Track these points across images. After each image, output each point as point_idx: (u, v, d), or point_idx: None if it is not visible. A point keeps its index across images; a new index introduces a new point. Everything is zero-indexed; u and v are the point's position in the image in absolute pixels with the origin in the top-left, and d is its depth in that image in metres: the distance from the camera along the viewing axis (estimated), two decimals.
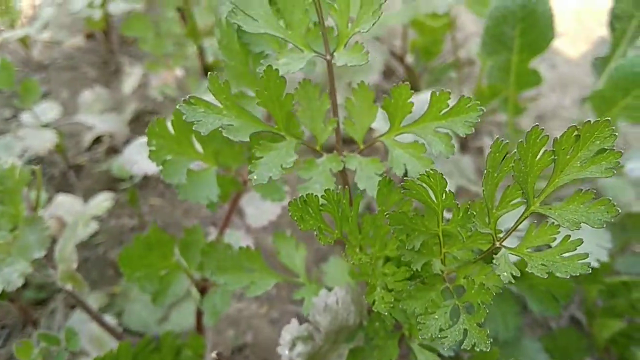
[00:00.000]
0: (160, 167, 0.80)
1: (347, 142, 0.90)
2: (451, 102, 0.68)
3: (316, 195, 0.62)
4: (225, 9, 0.74)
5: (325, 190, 0.62)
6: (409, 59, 1.86)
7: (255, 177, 0.65)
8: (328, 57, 0.72)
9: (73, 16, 2.01)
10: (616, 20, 1.32)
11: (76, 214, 1.41)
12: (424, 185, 0.58)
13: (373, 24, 0.64)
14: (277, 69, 0.65)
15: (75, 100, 2.13)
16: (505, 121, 1.43)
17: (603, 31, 2.31)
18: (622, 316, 1.17)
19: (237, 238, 1.06)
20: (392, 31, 2.05)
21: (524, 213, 0.58)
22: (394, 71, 1.94)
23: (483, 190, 0.58)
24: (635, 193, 1.34)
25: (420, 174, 0.57)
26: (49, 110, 1.59)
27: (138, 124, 1.95)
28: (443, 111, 0.66)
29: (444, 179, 0.57)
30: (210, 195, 0.87)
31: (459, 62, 1.63)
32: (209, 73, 0.65)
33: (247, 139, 0.65)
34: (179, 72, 1.75)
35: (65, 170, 1.82)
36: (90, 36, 2.35)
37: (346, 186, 0.76)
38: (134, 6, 1.58)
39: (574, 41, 2.22)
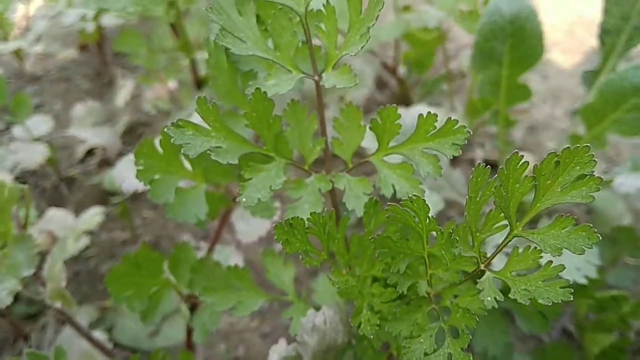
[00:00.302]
0: (148, 187, 0.80)
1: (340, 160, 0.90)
2: (441, 119, 0.68)
3: (302, 219, 0.62)
4: (214, 29, 0.74)
5: (311, 214, 0.62)
6: (401, 70, 1.87)
7: (244, 199, 0.65)
8: (316, 78, 0.73)
9: (66, 29, 2.01)
10: (605, 34, 1.33)
11: (67, 228, 1.41)
12: (408, 209, 0.58)
13: (361, 48, 0.64)
14: (264, 92, 0.66)
15: (69, 112, 2.13)
16: (497, 133, 1.44)
17: (594, 42, 2.32)
18: (613, 330, 1.17)
19: (227, 254, 1.06)
20: (385, 42, 2.06)
21: (506, 237, 0.59)
22: (386, 83, 1.95)
23: (465, 215, 0.58)
24: (625, 206, 1.35)
25: (403, 200, 0.57)
26: (41, 123, 1.59)
27: (131, 136, 1.95)
28: (430, 133, 0.67)
29: (427, 204, 0.57)
30: (199, 213, 0.87)
31: (450, 74, 1.64)
32: (197, 96, 0.65)
33: (236, 161, 0.66)
34: (172, 84, 1.76)
35: (57, 183, 1.82)
36: (83, 48, 2.35)
37: (334, 207, 0.76)
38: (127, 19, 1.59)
39: (565, 52, 2.24)
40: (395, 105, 0.67)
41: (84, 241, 1.37)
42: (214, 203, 0.93)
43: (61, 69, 2.33)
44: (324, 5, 0.69)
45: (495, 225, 0.59)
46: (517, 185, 0.55)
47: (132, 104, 2.08)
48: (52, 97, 2.22)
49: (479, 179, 0.56)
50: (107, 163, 1.83)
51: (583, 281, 0.92)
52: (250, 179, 0.67)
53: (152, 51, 1.36)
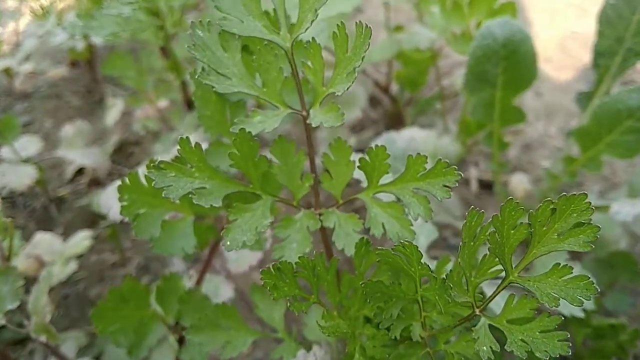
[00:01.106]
0: (133, 222, 0.78)
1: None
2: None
3: (290, 263, 0.60)
4: (197, 67, 0.73)
5: (299, 258, 0.60)
6: (394, 88, 1.85)
7: (228, 242, 0.63)
8: (304, 114, 0.71)
9: (54, 47, 1.99)
10: (599, 56, 1.32)
11: (55, 253, 1.38)
12: (400, 254, 0.56)
13: (347, 88, 0.62)
14: (249, 132, 0.64)
15: (59, 130, 2.11)
16: (491, 153, 1.42)
17: (587, 58, 2.32)
18: (610, 358, 1.15)
19: (216, 284, 1.03)
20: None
21: (502, 283, 0.57)
22: (379, 100, 1.93)
23: (459, 261, 0.56)
24: (622, 229, 1.33)
25: (395, 246, 0.55)
26: (30, 144, 1.56)
27: (121, 154, 1.93)
28: (420, 173, 0.65)
29: (419, 251, 0.55)
30: (187, 246, 0.84)
31: (443, 93, 1.62)
32: (179, 137, 0.63)
33: (220, 203, 0.63)
34: (162, 103, 1.74)
35: (46, 203, 1.79)
36: (74, 64, 2.33)
37: (325, 245, 0.74)
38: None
39: (559, 68, 2.23)
40: (384, 145, 0.65)
41: (72, 266, 1.34)
42: (202, 234, 0.91)
43: (51, 85, 2.31)
44: (309, 42, 0.67)
45: (490, 270, 0.57)
46: (513, 231, 0.53)
47: (122, 122, 2.06)
48: (42, 115, 2.20)
49: (473, 224, 0.55)
50: (97, 183, 1.81)
51: (580, 315, 0.90)
52: (235, 219, 0.65)
53: (141, 72, 1.34)
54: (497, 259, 0.56)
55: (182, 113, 1.64)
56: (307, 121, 0.68)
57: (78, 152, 1.56)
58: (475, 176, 1.69)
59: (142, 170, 1.14)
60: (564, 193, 0.53)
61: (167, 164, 0.62)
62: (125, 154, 1.93)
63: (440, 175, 0.63)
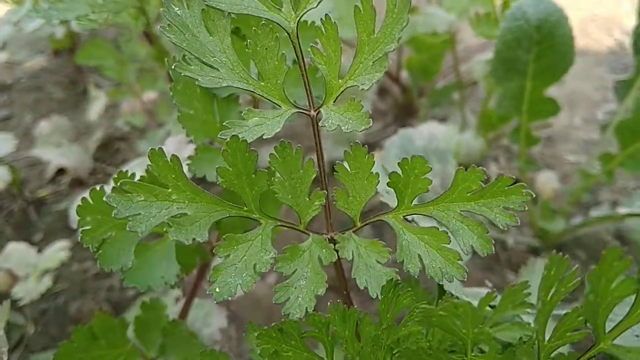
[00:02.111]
0: (97, 251, 0.62)
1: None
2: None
3: (296, 322, 0.44)
4: (176, 55, 0.57)
5: (309, 317, 0.44)
6: (404, 76, 1.69)
7: (217, 289, 0.47)
8: (312, 114, 0.56)
9: (34, 35, 1.82)
10: None
11: (28, 266, 1.23)
12: (449, 313, 0.41)
13: (375, 80, 0.46)
14: (243, 141, 0.48)
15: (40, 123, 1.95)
16: (517, 151, 1.27)
17: (610, 42, 2.16)
18: None
19: (207, 310, 0.88)
20: None
21: (589, 350, 0.41)
22: (388, 90, 1.77)
23: (535, 319, 0.41)
24: None
25: (443, 305, 0.40)
26: (4, 143, 1.40)
27: (106, 151, 1.77)
28: (472, 192, 0.49)
29: (476, 312, 0.39)
30: (168, 275, 0.69)
31: (461, 82, 1.46)
32: (149, 149, 0.47)
33: (206, 235, 0.48)
34: (151, 95, 1.57)
35: (24, 206, 1.63)
36: (57, 53, 2.17)
37: (339, 282, 0.58)
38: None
39: (580, 53, 2.06)
40: (423, 156, 0.49)
41: (46, 283, 1.19)
42: (187, 257, 0.76)
43: (32, 76, 2.14)
44: (322, 19, 0.51)
45: (570, 333, 0.42)
46: (613, 287, 0.38)
47: (108, 116, 1.89)
48: (21, 108, 2.03)
49: (553, 274, 0.39)
50: (79, 183, 1.65)
51: None
52: (227, 256, 0.50)
53: (122, 62, 1.18)
54: (580, 317, 0.41)
55: (171, 106, 1.47)
56: (320, 123, 0.52)
57: (56, 151, 1.40)
58: (495, 173, 1.53)
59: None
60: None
61: (133, 185, 0.46)
62: (110, 150, 1.77)
63: (500, 194, 0.47)
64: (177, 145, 0.94)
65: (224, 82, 0.52)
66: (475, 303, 0.45)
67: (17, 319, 1.33)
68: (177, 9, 0.52)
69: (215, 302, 0.47)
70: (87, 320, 1.35)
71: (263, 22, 0.53)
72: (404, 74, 1.69)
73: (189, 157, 0.72)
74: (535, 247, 1.35)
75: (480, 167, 0.47)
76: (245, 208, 0.53)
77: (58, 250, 1.20)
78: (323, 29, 0.51)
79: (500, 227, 0.48)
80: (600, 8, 2.34)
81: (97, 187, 0.63)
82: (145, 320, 0.81)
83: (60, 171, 1.73)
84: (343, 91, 0.53)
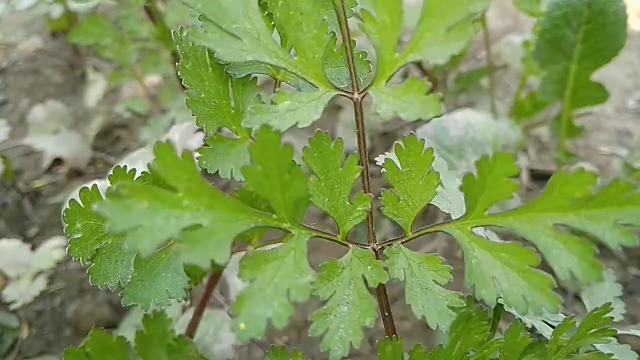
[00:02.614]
0: (89, 266, 0.51)
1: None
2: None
3: None
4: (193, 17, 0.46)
5: None
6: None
7: (241, 325, 0.36)
8: (357, 97, 0.44)
9: (29, 14, 1.70)
10: None
11: (20, 266, 1.13)
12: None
13: (454, 54, 0.35)
14: (276, 132, 0.37)
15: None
16: (550, 141, 1.15)
17: None
18: None
19: (218, 323, 0.77)
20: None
21: None
22: (408, 75, 1.65)
23: None
24: None
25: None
26: None
27: (106, 139, 1.66)
28: (572, 200, 0.38)
29: None
30: (174, 288, 0.58)
31: (492, 66, 1.34)
32: (156, 142, 0.36)
33: (227, 256, 0.37)
34: (154, 78, 1.46)
35: (19, 197, 1.52)
36: (55, 35, 2.05)
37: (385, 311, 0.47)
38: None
39: None
40: (508, 155, 0.38)
41: (40, 284, 1.08)
42: (196, 266, 0.65)
43: (28, 59, 2.02)
44: None
45: None
46: None
47: (107, 101, 1.78)
48: (17, 93, 1.92)
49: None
50: (77, 173, 1.54)
51: None
52: (253, 279, 0.39)
53: (122, 41, 1.06)
54: None
55: (175, 91, 1.36)
56: (372, 109, 0.41)
57: (51, 139, 1.29)
58: (525, 165, 1.42)
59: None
60: None
61: (133, 188, 0.35)
62: (110, 138, 1.66)
63: (612, 204, 0.36)
64: (184, 133, 0.83)
65: (248, 56, 0.41)
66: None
67: (10, 321, 1.23)
68: None
69: (239, 341, 0.36)
70: (85, 323, 1.25)
71: None
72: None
73: (199, 150, 0.61)
74: None
75: (582, 167, 0.36)
76: (274, 216, 0.42)
77: (52, 249, 1.09)
78: None
79: (612, 247, 0.36)
80: None
81: (89, 186, 0.52)
82: (148, 336, 0.70)
83: (57, 161, 1.62)
84: (400, 68, 0.42)
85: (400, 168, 0.46)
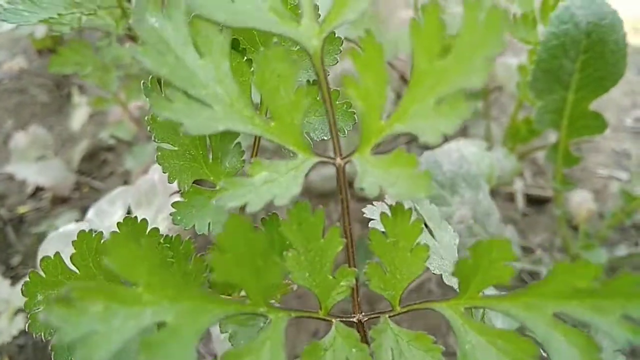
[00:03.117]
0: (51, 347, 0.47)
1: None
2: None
3: None
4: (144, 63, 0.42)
5: None
6: None
7: None
8: (339, 162, 0.41)
9: (13, 34, 1.66)
10: None
11: (0, 302, 1.08)
12: None
13: (446, 131, 0.31)
14: (246, 221, 0.33)
15: (22, 130, 1.79)
16: (552, 172, 1.12)
17: (637, 42, 2.00)
18: None
19: None
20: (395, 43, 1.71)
21: None
22: (401, 94, 1.61)
23: None
24: None
25: None
26: None
27: (91, 162, 1.61)
28: (575, 289, 0.34)
29: None
30: None
31: (487, 89, 1.31)
32: (110, 234, 0.32)
33: (193, 358, 0.33)
34: (139, 102, 1.42)
35: (1, 225, 1.48)
36: (40, 53, 2.01)
37: None
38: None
39: None
40: (507, 241, 0.34)
41: (19, 324, 1.04)
42: None
43: (14, 78, 1.98)
44: (360, 37, 0.36)
45: None
46: None
47: (93, 123, 1.74)
48: (2, 113, 1.88)
49: None
50: (61, 200, 1.49)
51: None
52: None
53: (104, 69, 1.02)
54: None
55: None
56: (356, 185, 0.37)
57: (33, 167, 1.24)
58: (521, 190, 1.38)
59: (102, 205, 0.84)
60: None
61: (86, 290, 0.31)
62: (96, 162, 1.62)
63: (619, 295, 0.32)
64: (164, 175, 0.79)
65: (219, 125, 0.37)
66: None
67: None
68: (154, 19, 0.37)
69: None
70: None
71: (275, 39, 0.38)
72: None
73: (173, 204, 0.57)
74: None
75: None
76: (248, 301, 0.38)
77: None
78: (361, 50, 0.36)
79: (618, 343, 0.33)
80: (625, 7, 2.18)
81: (51, 255, 0.48)
82: None
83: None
84: (386, 135, 0.38)
85: (387, 237, 0.42)
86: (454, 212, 0.89)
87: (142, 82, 0.48)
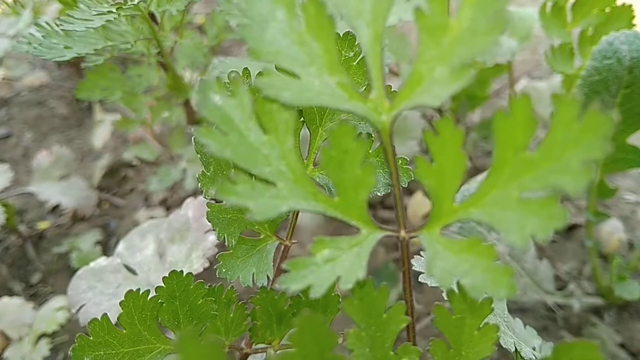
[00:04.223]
0: None
1: None
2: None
3: None
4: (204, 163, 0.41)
5: None
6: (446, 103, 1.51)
7: None
8: (403, 235, 0.39)
9: None
10: None
11: (22, 327, 1.07)
12: None
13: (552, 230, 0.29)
14: (322, 318, 0.31)
15: (41, 144, 1.79)
16: (587, 202, 1.09)
17: None
18: None
19: None
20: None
21: None
22: (426, 116, 1.59)
23: None
24: None
25: None
26: None
27: (112, 179, 1.60)
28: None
29: None
30: None
31: None
32: (179, 338, 0.30)
33: None
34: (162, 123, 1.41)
35: (21, 242, 1.47)
36: (60, 65, 2.00)
37: None
38: None
39: None
40: (594, 344, 0.32)
41: (43, 350, 1.03)
42: None
43: (33, 90, 1.98)
44: (434, 116, 0.34)
45: None
46: None
47: (115, 136, 1.73)
48: (21, 126, 1.88)
49: None
50: (82, 218, 1.49)
51: None
52: None
53: (132, 94, 1.01)
54: None
55: (186, 137, 1.31)
56: (425, 268, 0.35)
57: (55, 187, 1.23)
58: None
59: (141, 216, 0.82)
60: None
61: None
62: (117, 178, 1.61)
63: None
64: (198, 209, 0.78)
65: (283, 205, 0.36)
66: None
67: None
68: (218, 98, 0.35)
69: None
70: None
71: (343, 115, 0.36)
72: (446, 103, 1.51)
73: (219, 257, 0.56)
74: (597, 306, 1.18)
75: None
76: None
77: (56, 310, 1.04)
78: (435, 131, 0.34)
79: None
80: None
81: (99, 317, 0.47)
82: None
83: None
84: (457, 218, 0.36)
85: (452, 320, 0.40)
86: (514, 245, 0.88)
87: (193, 138, 0.47)
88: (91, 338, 0.47)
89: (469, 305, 0.40)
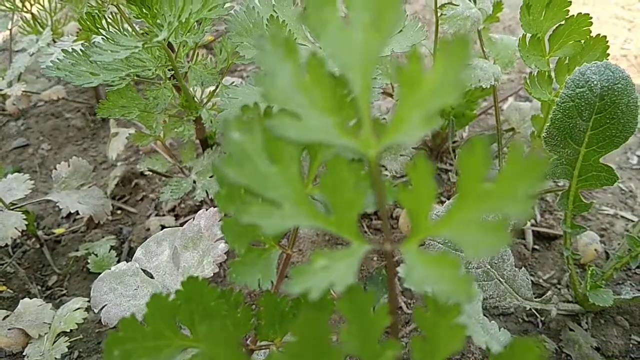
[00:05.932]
0: None
1: None
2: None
3: None
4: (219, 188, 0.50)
5: None
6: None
7: None
8: (388, 247, 0.48)
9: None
10: None
11: (42, 326, 1.16)
12: None
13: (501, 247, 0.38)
14: (320, 321, 0.40)
15: (57, 154, 1.88)
16: (564, 215, 1.18)
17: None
18: None
19: None
20: None
21: None
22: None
23: None
24: None
25: None
26: (17, 185, 1.33)
27: (124, 187, 1.70)
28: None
29: None
30: None
31: (500, 134, 1.38)
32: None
33: None
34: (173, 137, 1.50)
35: (38, 246, 1.56)
36: None
37: None
38: None
39: None
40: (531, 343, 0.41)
41: (62, 347, 1.11)
42: None
43: (49, 102, 2.08)
44: (413, 153, 0.43)
45: None
46: None
47: (126, 150, 1.82)
48: (38, 136, 1.97)
49: None
50: (96, 224, 1.58)
51: None
52: None
53: (148, 112, 1.10)
54: None
55: (196, 150, 1.40)
56: (404, 274, 0.44)
57: (74, 196, 1.32)
58: (528, 229, 1.45)
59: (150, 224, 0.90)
60: None
61: None
62: (128, 187, 1.70)
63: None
64: (210, 219, 0.86)
65: (288, 222, 0.45)
66: None
67: None
68: (237, 134, 0.44)
69: None
70: None
71: (336, 149, 0.46)
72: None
73: (230, 264, 0.65)
74: (575, 312, 1.26)
75: None
76: None
77: (74, 310, 1.12)
78: (414, 163, 0.43)
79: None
80: (630, 44, 2.25)
81: (121, 316, 0.55)
82: None
83: None
84: (429, 236, 0.45)
85: (430, 316, 0.49)
86: (473, 258, 0.96)
87: (212, 164, 0.56)
88: (120, 334, 0.55)
89: (440, 307, 0.49)
